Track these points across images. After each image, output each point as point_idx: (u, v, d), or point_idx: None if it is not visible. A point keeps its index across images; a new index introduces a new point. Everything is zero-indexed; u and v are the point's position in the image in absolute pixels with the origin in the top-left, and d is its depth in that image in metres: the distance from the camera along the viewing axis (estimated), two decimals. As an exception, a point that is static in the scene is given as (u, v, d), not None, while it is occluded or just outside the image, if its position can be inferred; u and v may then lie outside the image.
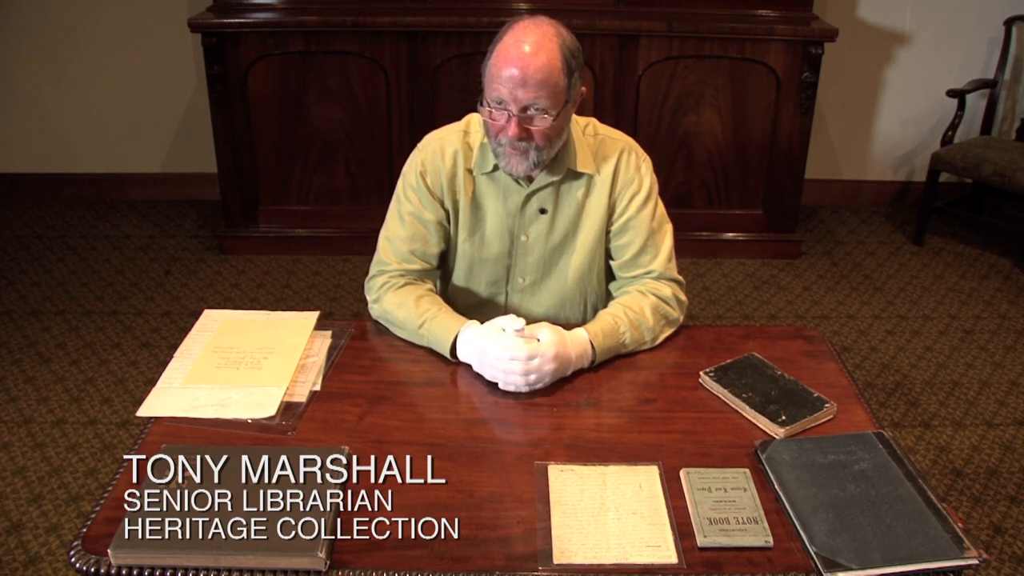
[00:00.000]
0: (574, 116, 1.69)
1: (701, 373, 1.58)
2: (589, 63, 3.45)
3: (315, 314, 1.73)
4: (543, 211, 1.72)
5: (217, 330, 1.69)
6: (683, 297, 1.73)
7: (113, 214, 4.11)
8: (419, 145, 1.76)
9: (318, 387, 1.54)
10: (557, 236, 1.74)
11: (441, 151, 1.71)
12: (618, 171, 1.71)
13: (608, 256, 1.79)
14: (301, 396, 1.51)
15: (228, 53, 3.43)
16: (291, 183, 3.68)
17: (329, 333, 1.69)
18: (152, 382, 1.55)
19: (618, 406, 1.52)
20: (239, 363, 1.58)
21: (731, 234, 3.80)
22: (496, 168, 1.67)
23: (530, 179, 1.69)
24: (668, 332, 1.70)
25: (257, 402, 1.48)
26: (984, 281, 3.65)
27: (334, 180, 3.64)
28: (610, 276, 1.83)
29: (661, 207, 1.76)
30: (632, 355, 1.66)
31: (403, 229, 1.73)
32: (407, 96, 3.51)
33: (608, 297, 1.82)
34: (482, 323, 1.59)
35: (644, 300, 1.68)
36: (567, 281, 1.77)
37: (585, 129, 1.73)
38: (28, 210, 4.12)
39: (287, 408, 1.48)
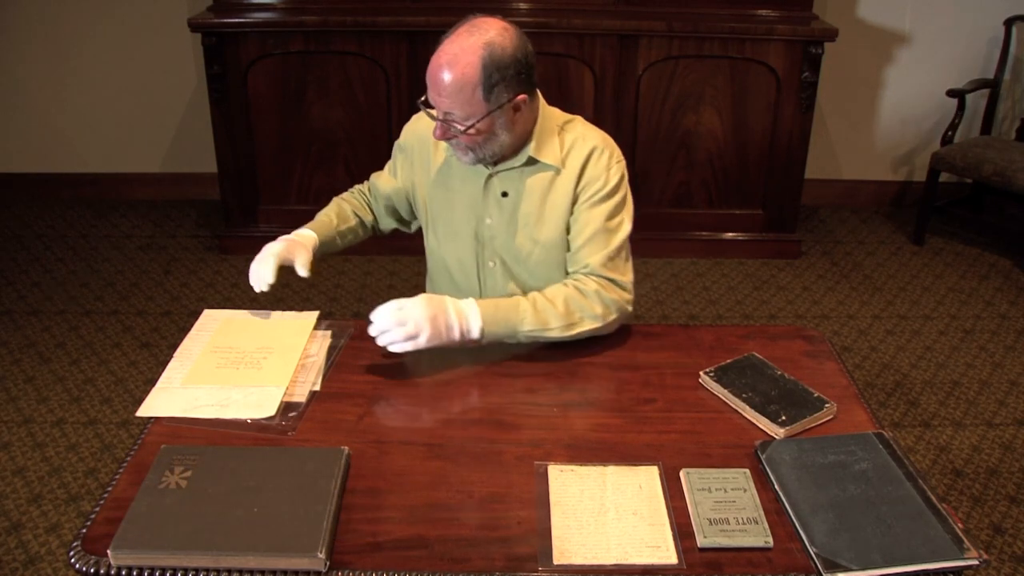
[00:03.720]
0: (556, 110, 1.74)
1: (701, 373, 1.58)
2: (589, 63, 3.46)
3: (315, 314, 1.73)
4: (505, 194, 1.74)
5: (217, 330, 1.69)
6: (613, 296, 1.68)
7: (113, 214, 4.11)
8: (413, 117, 1.84)
9: (318, 387, 1.54)
10: (518, 223, 1.75)
11: (418, 131, 1.82)
12: (586, 167, 1.71)
13: None
14: (301, 396, 1.51)
15: (228, 53, 3.43)
16: (291, 183, 3.69)
17: (329, 333, 1.69)
18: (152, 382, 1.55)
19: (618, 406, 1.52)
20: (239, 363, 1.58)
21: (731, 234, 3.80)
22: None
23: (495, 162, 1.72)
24: (590, 326, 1.66)
25: (257, 402, 1.48)
26: (984, 281, 3.65)
27: (334, 180, 3.64)
28: None
29: (623, 213, 1.75)
30: (632, 355, 1.66)
31: (386, 168, 1.92)
32: (407, 96, 3.51)
33: None
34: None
35: (562, 289, 1.67)
36: (533, 272, 1.77)
37: (565, 126, 1.74)
38: (28, 210, 4.12)
39: (287, 408, 1.48)
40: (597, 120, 3.51)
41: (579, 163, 1.71)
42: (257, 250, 1.73)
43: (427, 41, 3.43)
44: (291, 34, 3.42)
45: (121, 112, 4.08)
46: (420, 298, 1.58)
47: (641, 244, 3.73)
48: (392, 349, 1.57)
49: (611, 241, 1.71)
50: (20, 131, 4.12)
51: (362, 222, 1.92)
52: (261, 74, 3.49)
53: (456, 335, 1.59)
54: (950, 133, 3.85)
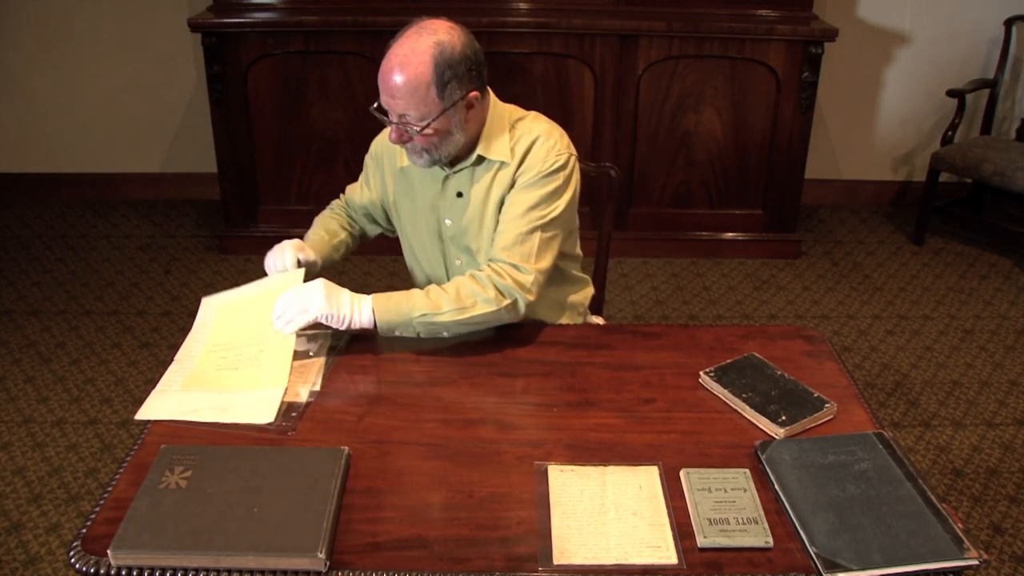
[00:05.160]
0: (511, 107, 1.76)
1: (701, 373, 1.58)
2: (589, 63, 3.46)
3: (300, 272, 1.72)
4: (460, 194, 1.76)
5: (215, 324, 1.68)
6: (506, 281, 1.65)
7: (113, 214, 4.11)
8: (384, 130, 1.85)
9: (318, 387, 1.54)
10: (472, 220, 1.77)
11: (384, 141, 1.83)
12: (527, 156, 1.72)
13: None
14: (301, 396, 1.51)
15: (228, 53, 3.43)
16: (291, 183, 3.69)
17: (329, 333, 1.69)
18: (152, 382, 1.55)
19: (618, 406, 1.52)
20: (237, 362, 1.58)
21: (731, 234, 3.80)
22: None
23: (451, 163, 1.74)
24: (483, 310, 1.64)
25: (256, 406, 1.47)
26: (984, 281, 3.65)
27: (334, 180, 3.64)
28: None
29: (556, 202, 1.71)
30: (632, 355, 1.66)
31: (359, 180, 1.96)
32: (407, 96, 3.51)
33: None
34: None
35: (459, 278, 1.68)
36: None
37: (516, 123, 1.74)
38: (28, 210, 4.12)
39: (287, 408, 1.48)
40: (597, 120, 3.54)
41: (521, 153, 1.72)
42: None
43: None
44: (291, 34, 3.42)
45: (121, 112, 4.08)
46: (319, 280, 1.63)
47: (641, 244, 3.77)
48: (287, 328, 1.60)
49: (524, 227, 1.69)
50: (20, 131, 4.12)
51: (351, 233, 1.97)
52: (261, 74, 3.49)
53: (346, 312, 1.61)
54: (950, 133, 3.85)
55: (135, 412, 1.48)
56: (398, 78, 1.55)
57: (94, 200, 4.23)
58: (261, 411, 1.47)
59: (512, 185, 1.72)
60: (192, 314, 1.76)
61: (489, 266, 1.68)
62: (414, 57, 1.55)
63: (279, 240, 1.85)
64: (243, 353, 1.60)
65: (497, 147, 1.71)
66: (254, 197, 3.70)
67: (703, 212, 3.76)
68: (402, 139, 1.64)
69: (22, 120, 4.10)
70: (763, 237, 3.79)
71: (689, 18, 3.45)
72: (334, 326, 1.63)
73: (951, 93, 3.82)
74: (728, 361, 1.60)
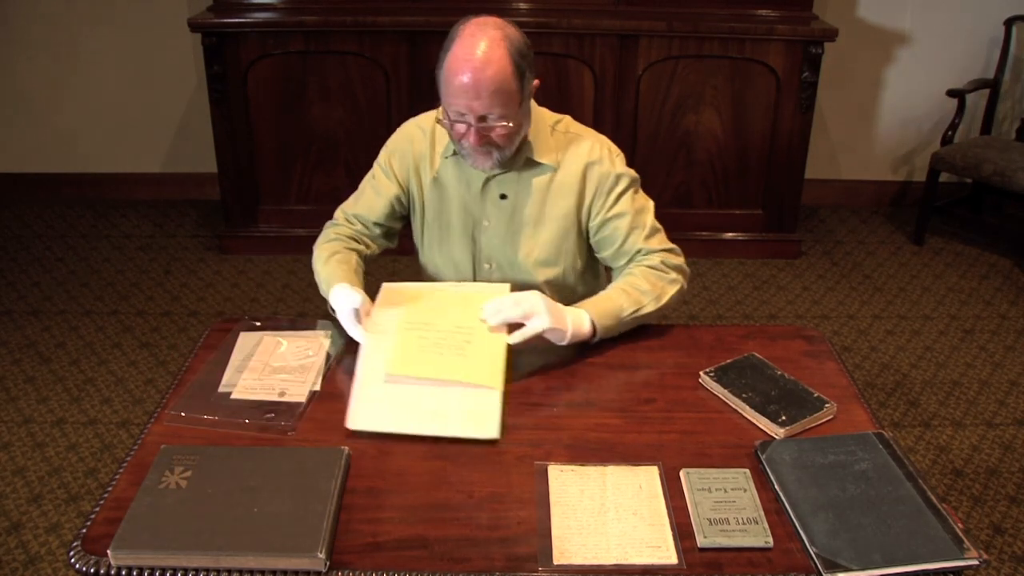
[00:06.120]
0: (544, 111, 1.76)
1: (701, 373, 1.58)
2: (589, 63, 3.46)
3: (506, 286, 1.66)
4: (503, 196, 1.75)
5: (407, 304, 1.61)
6: (677, 260, 1.76)
7: (113, 214, 4.11)
8: (399, 127, 1.83)
9: (318, 387, 1.54)
10: (517, 224, 1.76)
11: (412, 136, 1.79)
12: (588, 174, 1.73)
13: (591, 252, 1.82)
14: (301, 396, 1.51)
15: (228, 53, 3.43)
16: (291, 183, 3.69)
17: (329, 333, 1.69)
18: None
19: (618, 406, 1.52)
20: (441, 347, 1.49)
21: (731, 234, 3.80)
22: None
23: None
24: (673, 290, 1.72)
25: (475, 417, 1.41)
26: (984, 281, 3.65)
27: (334, 180, 3.64)
28: (588, 273, 1.86)
29: (640, 195, 1.79)
30: (632, 355, 1.66)
31: (363, 194, 1.84)
32: (407, 96, 3.51)
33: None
34: None
35: (634, 271, 1.72)
36: (531, 273, 1.78)
37: (556, 126, 1.75)
38: (28, 210, 4.12)
39: (287, 408, 1.48)
40: (597, 120, 3.54)
41: (578, 168, 1.72)
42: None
43: (427, 41, 3.43)
44: (291, 34, 3.42)
45: (121, 112, 4.08)
46: (535, 293, 1.59)
47: (641, 244, 3.76)
48: (514, 339, 1.53)
49: (647, 220, 1.76)
50: (20, 131, 4.12)
51: (360, 255, 1.82)
52: (261, 74, 3.49)
53: (567, 324, 1.57)
54: (950, 133, 3.85)
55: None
56: (484, 77, 1.52)
57: (94, 200, 4.23)
58: (482, 423, 1.40)
59: (588, 210, 1.74)
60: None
61: (652, 256, 1.73)
62: (491, 53, 1.53)
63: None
64: (446, 338, 1.52)
65: (545, 151, 1.71)
66: (254, 197, 3.70)
67: (703, 212, 3.76)
68: (482, 140, 1.60)
69: (22, 120, 4.10)
70: (763, 237, 3.79)
71: (689, 18, 3.45)
72: (553, 340, 1.58)
73: (951, 93, 3.82)
74: (728, 361, 1.60)
